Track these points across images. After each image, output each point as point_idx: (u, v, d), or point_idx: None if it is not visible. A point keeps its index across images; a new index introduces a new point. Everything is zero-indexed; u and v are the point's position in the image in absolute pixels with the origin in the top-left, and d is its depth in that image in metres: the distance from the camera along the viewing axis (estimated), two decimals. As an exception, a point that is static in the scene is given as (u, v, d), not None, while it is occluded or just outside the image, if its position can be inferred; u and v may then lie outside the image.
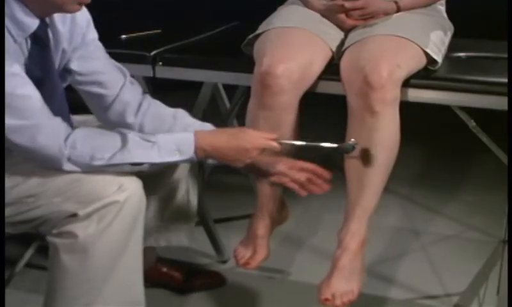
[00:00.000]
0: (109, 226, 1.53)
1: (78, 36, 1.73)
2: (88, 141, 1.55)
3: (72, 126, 1.60)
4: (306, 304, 2.13)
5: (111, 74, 1.79)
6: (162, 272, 2.21)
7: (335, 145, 1.69)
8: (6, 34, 1.54)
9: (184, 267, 2.27)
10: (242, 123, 1.96)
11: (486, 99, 1.84)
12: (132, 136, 1.59)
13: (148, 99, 1.81)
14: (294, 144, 1.77)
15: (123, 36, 2.31)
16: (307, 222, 2.68)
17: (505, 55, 1.91)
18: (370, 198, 1.81)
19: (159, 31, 2.39)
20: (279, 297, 2.21)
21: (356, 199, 1.82)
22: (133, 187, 1.57)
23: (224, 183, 2.84)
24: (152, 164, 1.60)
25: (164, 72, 2.16)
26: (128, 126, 1.74)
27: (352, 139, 1.72)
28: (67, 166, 1.54)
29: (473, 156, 3.18)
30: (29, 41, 1.58)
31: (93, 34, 1.78)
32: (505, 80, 1.79)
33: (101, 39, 1.84)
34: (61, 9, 1.60)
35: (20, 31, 1.56)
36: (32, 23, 1.57)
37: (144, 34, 2.35)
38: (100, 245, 1.54)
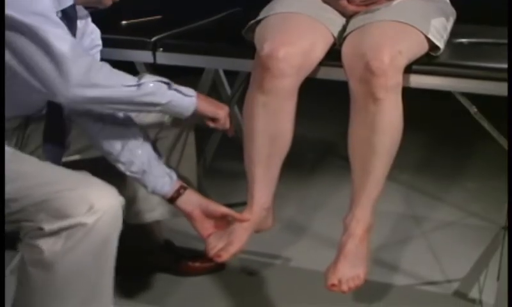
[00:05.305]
0: (75, 247, 1.50)
1: (88, 37, 1.75)
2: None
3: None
4: (306, 289, 2.14)
5: None
6: (161, 256, 2.23)
7: None
8: None
9: (182, 250, 2.27)
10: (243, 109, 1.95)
11: (488, 85, 1.83)
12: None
13: None
14: None
15: (124, 22, 2.30)
16: (307, 208, 2.68)
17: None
18: (374, 184, 1.81)
19: (159, 16, 2.38)
20: (278, 282, 2.21)
21: (360, 186, 1.81)
22: (106, 207, 1.52)
23: (224, 169, 2.84)
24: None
25: (165, 58, 2.15)
26: None
27: None
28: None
29: (475, 142, 3.18)
30: (59, 15, 1.59)
31: (99, 40, 1.80)
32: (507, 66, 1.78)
33: (101, 25, 1.83)
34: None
35: (56, 2, 1.58)
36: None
37: (144, 20, 2.34)
38: (65, 264, 1.51)
